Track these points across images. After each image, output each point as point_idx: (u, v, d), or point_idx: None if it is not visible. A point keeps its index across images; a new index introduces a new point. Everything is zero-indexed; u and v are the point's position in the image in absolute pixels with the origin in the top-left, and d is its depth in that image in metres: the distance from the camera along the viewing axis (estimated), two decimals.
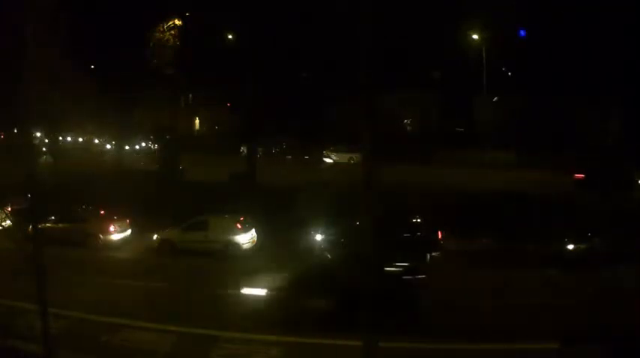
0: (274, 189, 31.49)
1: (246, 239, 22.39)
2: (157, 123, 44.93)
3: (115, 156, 47.64)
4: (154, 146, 62.69)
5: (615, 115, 44.08)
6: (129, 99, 40.40)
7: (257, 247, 22.79)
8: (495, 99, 45.44)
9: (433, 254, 20.52)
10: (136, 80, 38.71)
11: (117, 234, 23.63)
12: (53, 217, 23.27)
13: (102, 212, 24.27)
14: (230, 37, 43.28)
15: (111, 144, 64.68)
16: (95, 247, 22.70)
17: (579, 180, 32.65)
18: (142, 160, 49.01)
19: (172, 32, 40.75)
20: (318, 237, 21.66)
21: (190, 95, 52.10)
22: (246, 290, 15.83)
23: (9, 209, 26.39)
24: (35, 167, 10.92)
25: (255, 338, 12.70)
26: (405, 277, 16.04)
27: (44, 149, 46.31)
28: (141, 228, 24.61)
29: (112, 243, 23.38)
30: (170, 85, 41.30)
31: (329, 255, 18.78)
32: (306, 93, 44.60)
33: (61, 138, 56.66)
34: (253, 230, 22.91)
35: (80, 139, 72.06)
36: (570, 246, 19.70)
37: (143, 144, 70.45)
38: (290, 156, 53.64)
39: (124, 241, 23.90)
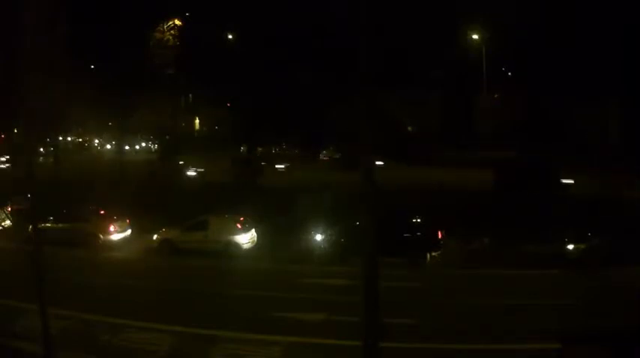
0: (274, 188, 31.57)
1: (246, 239, 22.38)
2: (157, 124, 44.97)
3: (116, 157, 47.67)
4: (154, 146, 62.84)
5: (615, 115, 44.06)
6: (129, 100, 40.36)
7: (257, 247, 22.80)
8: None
9: (433, 253, 20.55)
10: (136, 80, 38.68)
11: (117, 234, 23.61)
12: (53, 217, 23.24)
13: (102, 212, 24.25)
14: (230, 37, 43.30)
15: (111, 144, 64.73)
16: (95, 247, 22.68)
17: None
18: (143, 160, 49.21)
19: (172, 32, 40.76)
20: (318, 237, 21.67)
21: (190, 95, 52.12)
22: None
23: (9, 209, 26.43)
24: (34, 167, 10.88)
25: (255, 338, 12.69)
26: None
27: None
28: (141, 228, 24.61)
29: (112, 243, 23.36)
30: (170, 85, 41.31)
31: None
32: (306, 93, 44.59)
33: (61, 138, 56.69)
34: (253, 230, 22.91)
35: (80, 139, 72.12)
36: (570, 246, 19.71)
37: (143, 144, 70.58)
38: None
39: (124, 241, 23.88)
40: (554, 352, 7.63)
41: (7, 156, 53.76)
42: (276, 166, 48.17)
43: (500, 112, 44.20)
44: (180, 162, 43.94)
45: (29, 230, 13.86)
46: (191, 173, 43.49)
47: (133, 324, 13.42)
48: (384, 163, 39.43)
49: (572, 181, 31.37)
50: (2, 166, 53.29)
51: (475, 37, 43.96)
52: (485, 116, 44.92)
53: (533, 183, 28.62)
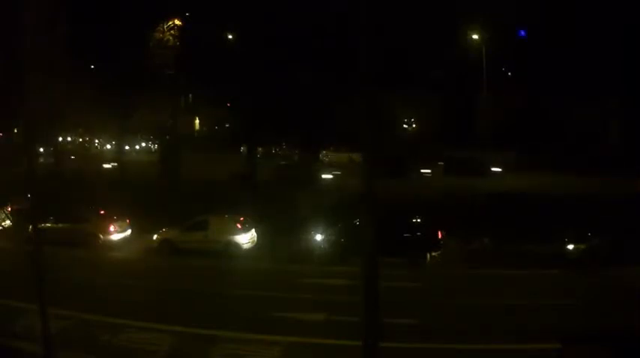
0: (274, 188, 31.57)
1: (246, 239, 22.38)
2: (157, 124, 44.92)
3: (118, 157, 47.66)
4: (154, 146, 62.84)
5: (615, 115, 44.06)
6: (129, 100, 40.34)
7: (257, 247, 22.80)
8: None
9: (433, 253, 20.54)
10: (136, 80, 38.66)
11: (117, 234, 23.61)
12: (53, 217, 23.23)
13: (102, 212, 24.25)
14: (230, 37, 43.27)
15: (111, 144, 64.74)
16: (95, 247, 22.68)
17: None
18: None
19: (172, 32, 40.72)
20: (318, 237, 21.67)
21: (190, 95, 52.11)
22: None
23: (9, 209, 26.42)
24: (35, 167, 10.88)
25: (255, 338, 12.69)
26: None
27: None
28: (141, 228, 24.60)
29: (112, 243, 23.36)
30: (170, 85, 41.27)
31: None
32: (306, 92, 44.59)
33: (61, 138, 56.70)
34: (253, 230, 22.90)
35: (80, 139, 72.16)
36: (570, 246, 19.70)
37: (143, 144, 70.60)
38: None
39: (124, 241, 23.88)
40: (554, 352, 7.63)
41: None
42: (421, 171, 44.22)
43: (500, 112, 44.17)
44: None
45: (29, 230, 13.87)
46: (327, 176, 41.13)
47: (133, 324, 13.43)
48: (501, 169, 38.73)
49: None
50: (108, 166, 51.97)
51: (475, 37, 43.93)
52: (486, 116, 44.86)
53: None
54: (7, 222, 25.99)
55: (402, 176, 37.39)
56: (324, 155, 53.22)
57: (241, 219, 22.85)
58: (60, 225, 23.00)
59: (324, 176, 40.55)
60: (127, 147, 60.97)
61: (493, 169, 41.37)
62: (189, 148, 47.67)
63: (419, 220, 21.45)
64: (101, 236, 23.17)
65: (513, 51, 42.83)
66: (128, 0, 36.86)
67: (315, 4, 35.75)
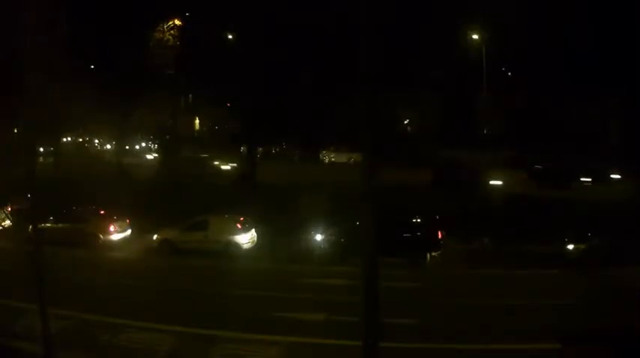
0: (274, 188, 31.57)
1: (246, 239, 22.38)
2: (157, 124, 44.94)
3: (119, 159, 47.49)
4: (154, 146, 62.82)
5: (615, 115, 44.07)
6: (129, 100, 40.36)
7: (257, 247, 22.79)
8: None
9: (433, 253, 20.55)
10: (136, 80, 38.68)
11: (117, 234, 23.60)
12: (53, 217, 23.22)
13: (102, 212, 24.25)
14: (230, 37, 43.30)
15: (111, 144, 64.69)
16: (95, 247, 22.68)
17: None
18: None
19: (172, 32, 40.76)
20: (318, 237, 21.67)
21: (190, 95, 52.11)
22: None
23: (9, 209, 26.41)
24: (35, 167, 10.88)
25: (255, 338, 12.69)
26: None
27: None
28: (141, 228, 24.60)
29: (112, 243, 23.35)
30: (170, 85, 41.29)
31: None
32: (306, 92, 44.58)
33: (64, 139, 56.70)
34: (253, 230, 22.90)
35: (80, 139, 72.07)
36: (570, 246, 19.71)
37: (143, 144, 70.54)
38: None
39: (124, 241, 23.88)
40: (554, 352, 7.64)
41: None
42: (582, 180, 39.32)
43: (500, 112, 44.14)
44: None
45: (29, 230, 13.87)
46: (495, 182, 37.75)
47: (133, 324, 13.42)
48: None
49: None
50: (227, 167, 48.00)
51: (475, 37, 43.85)
52: (486, 116, 44.82)
53: None
54: (7, 222, 25.99)
55: (565, 186, 35.83)
56: (324, 155, 53.20)
57: (241, 219, 22.84)
58: (60, 225, 22.99)
59: (492, 182, 38.41)
60: (127, 147, 60.94)
61: (582, 179, 38.76)
62: (189, 148, 47.68)
63: (419, 220, 21.45)
64: (101, 236, 23.16)
65: (513, 51, 42.79)
66: (128, 0, 36.88)
67: (315, 4, 35.73)
